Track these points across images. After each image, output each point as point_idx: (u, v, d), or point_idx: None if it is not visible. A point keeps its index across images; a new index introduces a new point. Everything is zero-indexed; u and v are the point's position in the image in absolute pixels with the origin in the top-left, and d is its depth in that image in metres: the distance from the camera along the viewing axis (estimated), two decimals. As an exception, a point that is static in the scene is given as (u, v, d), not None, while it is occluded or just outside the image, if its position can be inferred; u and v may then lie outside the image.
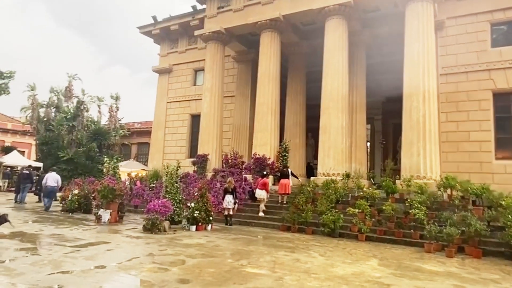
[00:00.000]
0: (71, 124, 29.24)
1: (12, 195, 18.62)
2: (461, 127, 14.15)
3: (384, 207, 10.97)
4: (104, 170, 15.59)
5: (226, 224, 12.38)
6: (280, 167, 14.78)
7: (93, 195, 13.97)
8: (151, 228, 10.03)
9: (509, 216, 9.05)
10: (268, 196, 13.36)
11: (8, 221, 7.87)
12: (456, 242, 8.96)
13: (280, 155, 16.08)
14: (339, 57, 14.58)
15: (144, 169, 22.36)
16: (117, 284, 5.39)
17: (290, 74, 18.97)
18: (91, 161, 27.04)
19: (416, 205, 10.43)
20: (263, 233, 11.04)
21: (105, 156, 17.83)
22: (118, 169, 15.97)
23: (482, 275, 6.87)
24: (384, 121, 21.68)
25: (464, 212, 9.80)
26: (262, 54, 16.49)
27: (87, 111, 31.02)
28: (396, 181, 12.57)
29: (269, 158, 15.50)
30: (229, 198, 12.34)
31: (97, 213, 11.92)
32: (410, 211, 10.47)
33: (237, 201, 12.67)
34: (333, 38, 14.71)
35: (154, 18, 22.72)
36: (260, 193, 13.01)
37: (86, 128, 30.12)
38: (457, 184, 11.21)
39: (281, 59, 16.92)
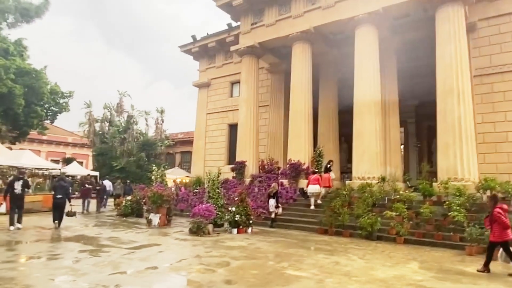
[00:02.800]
0: (122, 137, 30.68)
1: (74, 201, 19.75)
2: (498, 128, 13.22)
3: (421, 210, 10.44)
4: (153, 177, 16.13)
5: (271, 227, 12.46)
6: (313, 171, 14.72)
7: (143, 200, 14.49)
8: (197, 231, 10.22)
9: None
10: (322, 189, 13.66)
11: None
12: (499, 245, 8.32)
13: (315, 160, 15.85)
14: (370, 63, 14.19)
15: (187, 176, 22.93)
16: (169, 284, 5.54)
17: (321, 82, 18.72)
18: (141, 169, 28.14)
19: (455, 207, 9.81)
20: (301, 236, 10.88)
21: (153, 165, 18.45)
22: (165, 176, 16.47)
23: (530, 280, 6.32)
24: (418, 124, 20.72)
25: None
26: (294, 65, 16.42)
27: (136, 124, 32.45)
28: (433, 183, 11.93)
29: (304, 163, 15.32)
30: (271, 202, 12.56)
31: (148, 217, 12.34)
32: (448, 213, 9.88)
33: (279, 204, 12.80)
34: (363, 45, 14.35)
35: (194, 37, 23.38)
36: (314, 188, 13.26)
37: (135, 140, 31.44)
38: (496, 186, 10.46)
39: (312, 68, 16.75)
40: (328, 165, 14.96)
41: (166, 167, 23.25)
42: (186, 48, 23.98)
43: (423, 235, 9.99)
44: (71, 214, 12.68)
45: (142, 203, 14.57)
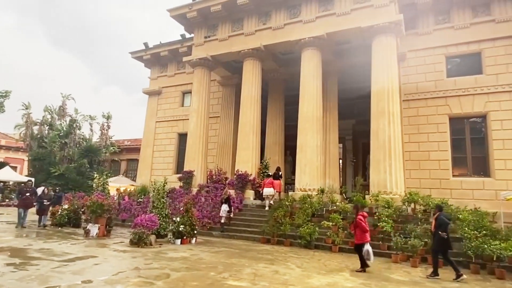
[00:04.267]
0: (63, 141, 28.44)
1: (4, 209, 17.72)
2: (422, 147, 14.55)
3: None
4: (94, 185, 15.12)
5: (222, 232, 12.73)
6: (275, 171, 15.57)
7: (82, 209, 13.49)
8: (138, 242, 9.72)
9: (466, 228, 9.28)
10: (276, 192, 14.53)
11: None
12: (419, 252, 9.09)
13: (261, 171, 16.07)
14: (314, 83, 14.88)
15: (132, 185, 21.80)
16: (102, 299, 5.15)
17: (270, 98, 19.19)
18: (82, 176, 26.21)
19: (383, 218, 10.56)
20: (244, 245, 10.87)
21: (95, 172, 17.30)
22: (107, 184, 15.52)
23: (442, 284, 6.95)
24: (355, 141, 22.06)
25: (426, 224, 9.98)
26: (245, 80, 16.66)
27: (79, 129, 30.32)
28: (366, 196, 12.70)
29: (251, 174, 15.45)
30: (224, 207, 12.95)
31: (86, 227, 11.49)
32: (378, 224, 10.58)
33: (232, 209, 13.26)
34: (308, 67, 15.04)
35: (146, 44, 22.69)
36: (269, 191, 14.07)
37: (78, 145, 29.33)
38: (419, 199, 11.44)
39: (262, 84, 17.13)
40: (279, 172, 15.62)
41: (110, 174, 21.96)
42: (137, 54, 23.17)
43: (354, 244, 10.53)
44: None
45: (81, 212, 13.54)
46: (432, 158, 14.29)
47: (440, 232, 7.56)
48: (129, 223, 13.29)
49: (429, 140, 14.48)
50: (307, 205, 12.44)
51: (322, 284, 6.36)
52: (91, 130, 31.71)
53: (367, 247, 7.80)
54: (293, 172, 19.00)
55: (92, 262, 7.42)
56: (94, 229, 11.29)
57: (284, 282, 6.37)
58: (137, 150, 26.65)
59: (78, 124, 29.99)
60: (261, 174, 15.94)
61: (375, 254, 9.87)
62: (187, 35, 20.20)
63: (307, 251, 10.37)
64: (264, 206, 14.19)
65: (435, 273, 7.48)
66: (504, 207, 11.30)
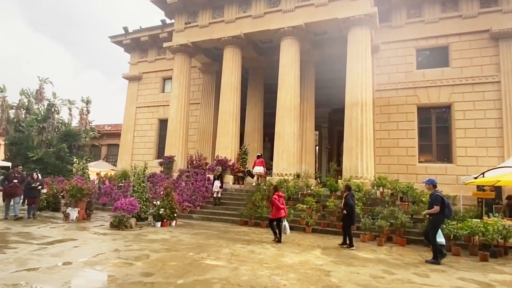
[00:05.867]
0: (41, 126, 27.32)
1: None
2: (391, 135, 15.04)
3: (328, 203, 11.40)
4: (74, 170, 14.73)
5: (215, 205, 13.44)
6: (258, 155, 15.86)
7: (61, 194, 13.18)
8: (118, 225, 9.66)
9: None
10: (265, 171, 15.07)
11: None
12: (385, 232, 9.53)
13: (240, 157, 16.16)
14: (292, 72, 14.95)
15: (113, 169, 21.41)
16: (82, 279, 5.14)
17: (250, 85, 19.13)
18: (61, 161, 25.38)
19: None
20: (223, 227, 11.01)
21: (75, 157, 16.82)
22: (87, 169, 15.16)
23: (405, 260, 7.36)
24: (330, 128, 22.48)
25: (392, 207, 10.45)
26: (225, 67, 16.49)
27: (57, 113, 29.14)
28: (339, 180, 13.08)
29: (230, 160, 15.52)
30: (216, 183, 13.60)
31: (65, 211, 11.26)
32: (349, 206, 10.93)
33: (222, 185, 13.90)
34: (287, 56, 15.06)
35: (125, 29, 21.91)
36: (259, 169, 14.70)
37: (56, 130, 28.26)
38: (387, 183, 11.91)
39: (242, 72, 17.03)
40: (259, 154, 16.12)
41: (90, 159, 21.45)
42: (117, 39, 22.37)
43: (328, 225, 10.92)
44: None
45: (60, 196, 13.23)
46: (401, 145, 14.81)
47: (344, 211, 8.70)
48: (110, 207, 13.11)
49: (399, 128, 14.96)
50: (283, 189, 12.67)
51: (294, 262, 6.60)
52: (70, 114, 30.58)
53: (285, 222, 8.90)
54: (271, 158, 19.21)
55: (72, 245, 7.34)
56: (73, 213, 11.09)
57: (260, 261, 6.56)
58: (117, 135, 26.05)
59: (56, 109, 28.81)
60: (240, 160, 16.04)
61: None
62: (168, 21, 19.65)
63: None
64: (242, 190, 14.40)
65: (350, 245, 8.38)
66: (463, 191, 11.97)
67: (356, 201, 10.86)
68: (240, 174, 15.75)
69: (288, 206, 11.48)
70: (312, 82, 17.46)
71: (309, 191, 12.63)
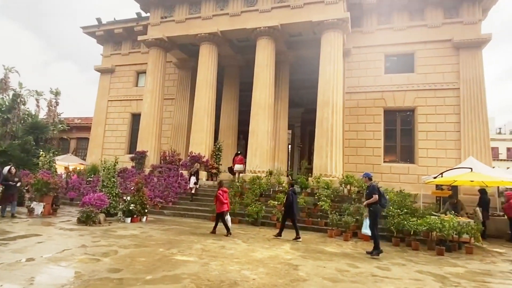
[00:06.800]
0: (5, 117, 25.65)
1: None
2: (359, 136, 15.50)
3: (298, 200, 11.54)
4: (40, 163, 13.98)
5: (191, 200, 13.39)
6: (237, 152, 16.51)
7: (26, 188, 12.46)
8: (86, 220, 9.29)
9: (391, 207, 10.18)
10: (245, 167, 14.97)
11: None
12: (351, 228, 9.83)
13: (214, 153, 16.03)
14: (268, 72, 15.01)
15: (82, 164, 20.51)
16: (46, 276, 4.88)
17: (225, 83, 19.00)
18: (27, 154, 23.94)
19: (323, 198, 11.20)
20: (195, 223, 10.89)
21: (41, 150, 15.96)
22: (55, 162, 14.45)
23: (368, 255, 7.61)
24: (302, 128, 22.81)
25: (358, 204, 10.79)
26: (201, 63, 16.26)
27: (24, 104, 27.48)
28: (309, 178, 13.32)
29: (204, 156, 15.35)
30: (192, 179, 13.69)
31: (30, 206, 10.67)
32: (318, 203, 11.21)
33: (198, 181, 13.90)
34: (262, 55, 15.08)
35: (99, 20, 21.00)
36: (239, 167, 15.04)
37: (22, 121, 26.65)
38: (354, 182, 12.27)
39: (218, 69, 16.86)
40: (239, 152, 16.62)
41: (58, 153, 20.44)
42: (90, 30, 21.40)
43: (298, 221, 11.06)
44: None
45: (24, 190, 12.50)
46: (368, 146, 15.30)
47: (284, 207, 9.26)
48: (78, 202, 12.56)
49: (366, 129, 15.44)
50: (256, 186, 12.74)
51: (264, 257, 6.65)
52: (38, 106, 28.95)
53: (228, 216, 9.24)
54: (245, 155, 19.25)
55: (35, 241, 6.96)
56: (38, 207, 10.52)
57: (230, 256, 6.54)
58: (88, 128, 24.99)
59: (22, 99, 27.16)
60: (214, 156, 15.91)
61: (314, 229, 10.58)
62: (143, 14, 19.05)
63: (254, 227, 10.70)
64: (215, 186, 14.17)
65: (297, 236, 8.88)
66: (423, 190, 12.57)
67: (325, 198, 11.18)
68: (214, 171, 15.64)
69: (260, 203, 11.61)
70: (287, 82, 17.62)
71: (281, 188, 12.77)
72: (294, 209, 9.14)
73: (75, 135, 28.81)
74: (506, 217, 11.20)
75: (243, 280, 4.99)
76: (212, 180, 15.47)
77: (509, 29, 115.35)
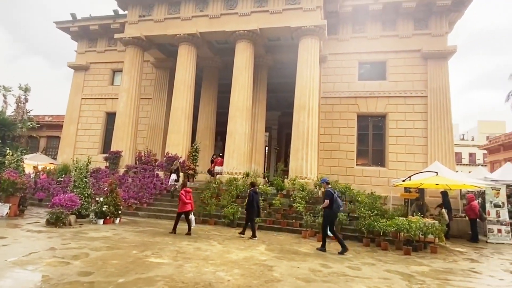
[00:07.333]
0: (-32, 112, 24.02)
1: None
2: (334, 139, 15.86)
3: (274, 201, 11.66)
4: (6, 162, 13.21)
5: (172, 197, 13.34)
6: (218, 154, 16.89)
7: (-10, 188, 11.71)
8: (55, 222, 8.88)
9: (362, 209, 10.49)
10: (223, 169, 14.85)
11: None
12: (325, 229, 9.98)
13: (191, 155, 15.83)
14: (246, 74, 15.04)
15: (52, 163, 19.59)
16: (10, 281, 4.62)
17: (204, 84, 18.83)
18: (-8, 152, 22.59)
19: (298, 200, 11.34)
20: (170, 225, 10.65)
21: (8, 148, 15.10)
22: (22, 161, 13.70)
23: (340, 255, 7.79)
24: (279, 131, 23.03)
25: (332, 206, 10.98)
26: (179, 64, 16.04)
27: (-11, 100, 25.87)
28: (285, 180, 13.45)
29: (181, 157, 15.12)
30: (173, 176, 13.77)
31: (-6, 207, 10.05)
32: (293, 204, 11.33)
33: (178, 179, 13.88)
34: (241, 58, 15.10)
35: (73, 15, 20.22)
36: (220, 168, 15.20)
37: (-13, 118, 25.05)
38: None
39: (196, 70, 16.70)
40: (220, 154, 16.61)
41: (26, 151, 19.43)
42: (64, 25, 20.55)
43: (273, 222, 11.17)
44: None
45: (-12, 191, 11.74)
46: (342, 149, 15.68)
47: (246, 207, 9.43)
48: (47, 203, 11.99)
49: (340, 133, 15.83)
50: (232, 187, 12.70)
51: (239, 258, 6.64)
52: (5, 102, 27.31)
53: (192, 216, 9.47)
54: (222, 157, 19.15)
55: (0, 244, 6.57)
56: (4, 208, 9.95)
57: (205, 258, 6.49)
58: (59, 127, 23.93)
59: (-12, 95, 25.58)
60: (191, 157, 15.72)
61: (289, 231, 10.69)
62: (121, 12, 18.53)
63: (230, 229, 10.66)
64: (191, 188, 13.99)
65: (253, 235, 9.11)
66: (393, 192, 13.06)
67: (300, 200, 11.33)
68: (191, 172, 15.44)
69: (236, 204, 11.57)
70: (265, 85, 17.73)
71: (257, 189, 12.77)
72: (253, 208, 9.30)
73: (45, 133, 27.50)
74: (467, 218, 11.83)
75: (218, 282, 4.96)
76: (188, 181, 15.25)
77: (476, 41, 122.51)
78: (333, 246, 8.92)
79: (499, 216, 11.43)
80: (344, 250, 7.84)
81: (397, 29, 16.00)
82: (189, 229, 9.23)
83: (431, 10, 15.42)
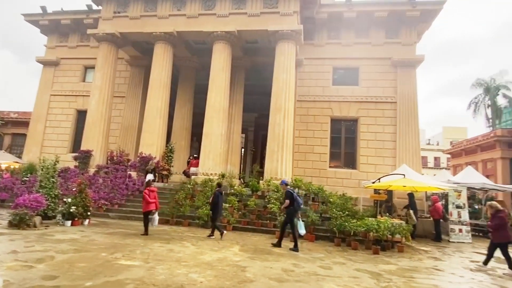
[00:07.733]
0: None
1: None
2: (308, 142, 16.13)
3: (249, 202, 11.65)
4: (-36, 160, 12.33)
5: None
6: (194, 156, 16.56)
7: None
8: (19, 223, 8.39)
9: (334, 210, 10.71)
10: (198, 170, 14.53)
11: None
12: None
13: (166, 155, 15.50)
14: (223, 75, 14.96)
15: (17, 162, 18.50)
16: (-36, 287, 4.30)
17: (180, 84, 18.53)
18: None
19: (272, 201, 11.40)
20: (141, 226, 10.32)
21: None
22: (-17, 160, 12.85)
23: (312, 255, 7.91)
24: (256, 132, 23.05)
25: (305, 206, 11.16)
26: (155, 62, 15.69)
27: None
28: (260, 181, 13.49)
29: (155, 157, 14.77)
30: (149, 176, 13.36)
31: (-51, 208, 9.32)
32: (268, 205, 11.38)
33: (155, 179, 13.89)
34: (219, 59, 15.01)
35: (43, 8, 19.26)
36: (195, 169, 14.93)
37: None
38: (302, 185, 12.69)
39: (173, 69, 16.41)
40: (195, 155, 16.31)
41: (-12, 149, 18.22)
42: (33, 18, 19.56)
43: (248, 223, 11.15)
44: None
45: None
46: (315, 151, 15.97)
47: (211, 207, 9.52)
48: (10, 204, 11.32)
49: (314, 136, 16.12)
50: (208, 188, 12.56)
51: (213, 259, 6.56)
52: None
53: (155, 215, 9.29)
54: (198, 158, 18.89)
55: (-46, 247, 6.11)
56: (-40, 210, 9.24)
57: (178, 259, 6.36)
58: (25, 124, 22.67)
59: None
60: (166, 158, 15.39)
61: (263, 231, 10.71)
62: (94, 7, 17.88)
63: (204, 230, 10.51)
64: (165, 188, 13.82)
65: (211, 234, 9.22)
66: (363, 193, 13.46)
67: (274, 201, 11.39)
68: (165, 172, 15.11)
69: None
70: (242, 87, 17.71)
71: (233, 190, 12.73)
72: (217, 208, 9.29)
73: (10, 130, 25.95)
74: (432, 218, 12.40)
75: (190, 284, 4.87)
76: (162, 181, 14.94)
77: (443, 50, 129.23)
78: (305, 246, 9.06)
79: (460, 217, 12.07)
80: (296, 249, 8.07)
81: (370, 37, 16.54)
82: (147, 229, 8.94)
83: (401, 20, 16.08)
